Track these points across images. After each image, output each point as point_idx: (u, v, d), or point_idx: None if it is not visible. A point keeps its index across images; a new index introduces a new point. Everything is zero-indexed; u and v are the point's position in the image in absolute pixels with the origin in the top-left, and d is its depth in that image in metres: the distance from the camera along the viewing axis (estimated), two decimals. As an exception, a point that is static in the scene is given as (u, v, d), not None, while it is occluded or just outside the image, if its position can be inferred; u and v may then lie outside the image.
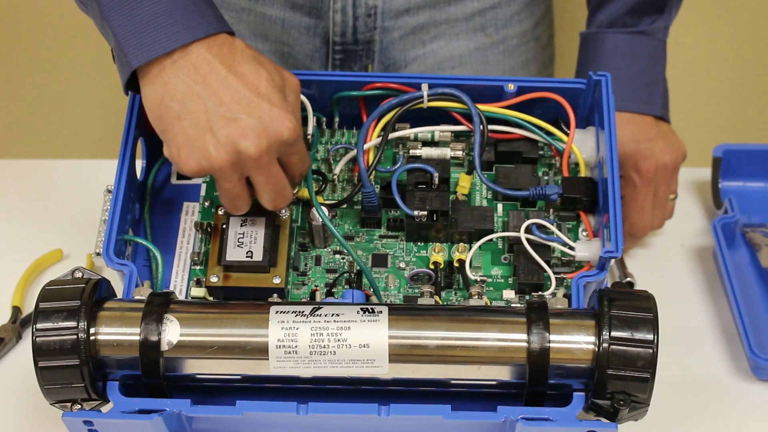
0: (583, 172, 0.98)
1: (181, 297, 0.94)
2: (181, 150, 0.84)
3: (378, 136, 0.97)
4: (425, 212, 0.94)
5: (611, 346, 0.82)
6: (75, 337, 0.83)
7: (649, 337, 0.82)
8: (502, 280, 0.95)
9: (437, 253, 0.95)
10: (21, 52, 1.79)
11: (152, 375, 0.84)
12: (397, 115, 0.97)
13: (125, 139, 0.94)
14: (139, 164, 0.99)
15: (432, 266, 0.94)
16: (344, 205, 0.98)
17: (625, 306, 0.83)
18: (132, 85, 0.86)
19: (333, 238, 0.96)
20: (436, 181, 0.96)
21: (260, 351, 0.84)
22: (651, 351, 0.82)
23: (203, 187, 0.99)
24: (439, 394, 0.88)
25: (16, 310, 1.06)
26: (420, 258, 0.96)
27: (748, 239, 1.12)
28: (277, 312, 0.84)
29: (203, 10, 0.85)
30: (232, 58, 0.85)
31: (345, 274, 0.95)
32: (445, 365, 0.84)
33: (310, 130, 0.99)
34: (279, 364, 0.84)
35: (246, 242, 0.92)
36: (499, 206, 0.98)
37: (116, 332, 0.84)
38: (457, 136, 1.00)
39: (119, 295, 0.90)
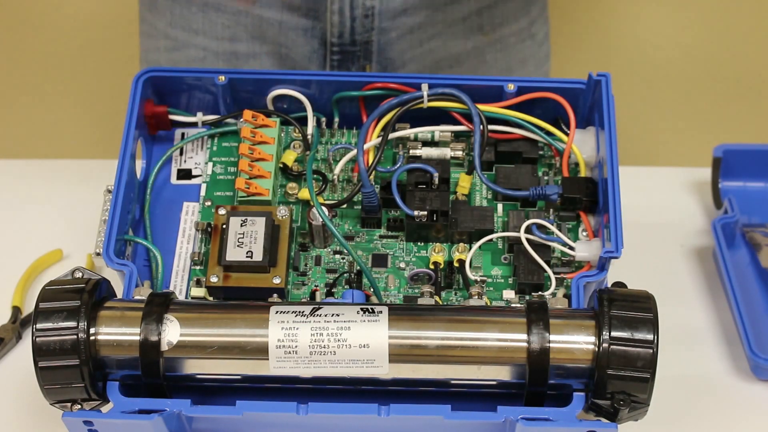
0: (583, 172, 0.98)
1: (181, 297, 0.94)
2: None
3: (378, 136, 0.97)
4: (425, 212, 0.94)
5: (611, 346, 0.82)
6: (75, 337, 0.83)
7: (649, 337, 0.82)
8: (502, 280, 0.94)
9: (437, 253, 0.94)
10: (21, 52, 1.79)
11: (152, 375, 0.84)
12: (397, 115, 0.97)
13: (125, 139, 0.94)
14: (139, 164, 0.99)
15: (432, 266, 0.94)
16: (344, 205, 0.97)
17: (625, 306, 0.83)
18: None
19: (333, 238, 0.96)
20: (436, 181, 0.96)
21: (260, 351, 0.84)
22: (651, 351, 0.82)
23: (203, 187, 0.99)
24: (439, 394, 0.88)
25: (16, 310, 1.06)
26: (420, 258, 0.96)
27: (748, 239, 1.11)
28: (277, 312, 0.84)
29: None
30: None
31: (345, 274, 0.95)
32: (445, 365, 0.84)
33: (310, 130, 0.99)
34: (279, 364, 0.84)
35: (246, 242, 0.92)
36: (499, 206, 0.98)
37: (116, 332, 0.84)
38: (457, 136, 1.00)
39: (119, 295, 0.90)
